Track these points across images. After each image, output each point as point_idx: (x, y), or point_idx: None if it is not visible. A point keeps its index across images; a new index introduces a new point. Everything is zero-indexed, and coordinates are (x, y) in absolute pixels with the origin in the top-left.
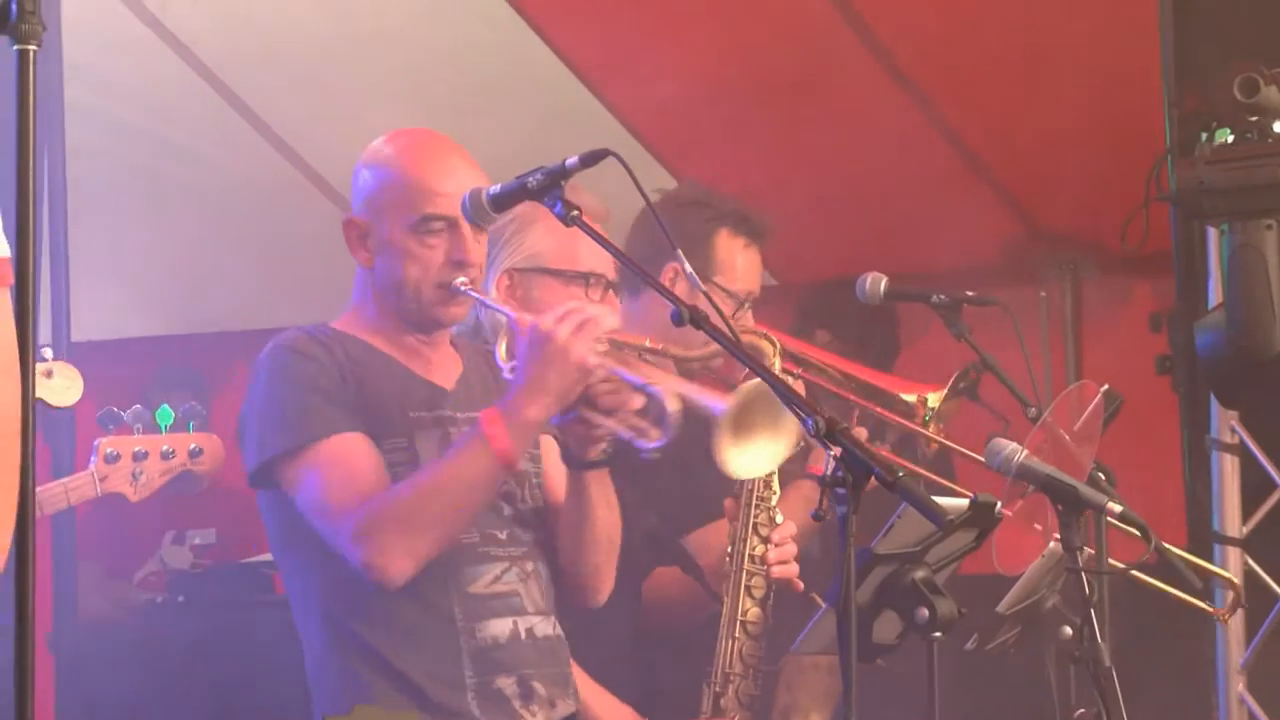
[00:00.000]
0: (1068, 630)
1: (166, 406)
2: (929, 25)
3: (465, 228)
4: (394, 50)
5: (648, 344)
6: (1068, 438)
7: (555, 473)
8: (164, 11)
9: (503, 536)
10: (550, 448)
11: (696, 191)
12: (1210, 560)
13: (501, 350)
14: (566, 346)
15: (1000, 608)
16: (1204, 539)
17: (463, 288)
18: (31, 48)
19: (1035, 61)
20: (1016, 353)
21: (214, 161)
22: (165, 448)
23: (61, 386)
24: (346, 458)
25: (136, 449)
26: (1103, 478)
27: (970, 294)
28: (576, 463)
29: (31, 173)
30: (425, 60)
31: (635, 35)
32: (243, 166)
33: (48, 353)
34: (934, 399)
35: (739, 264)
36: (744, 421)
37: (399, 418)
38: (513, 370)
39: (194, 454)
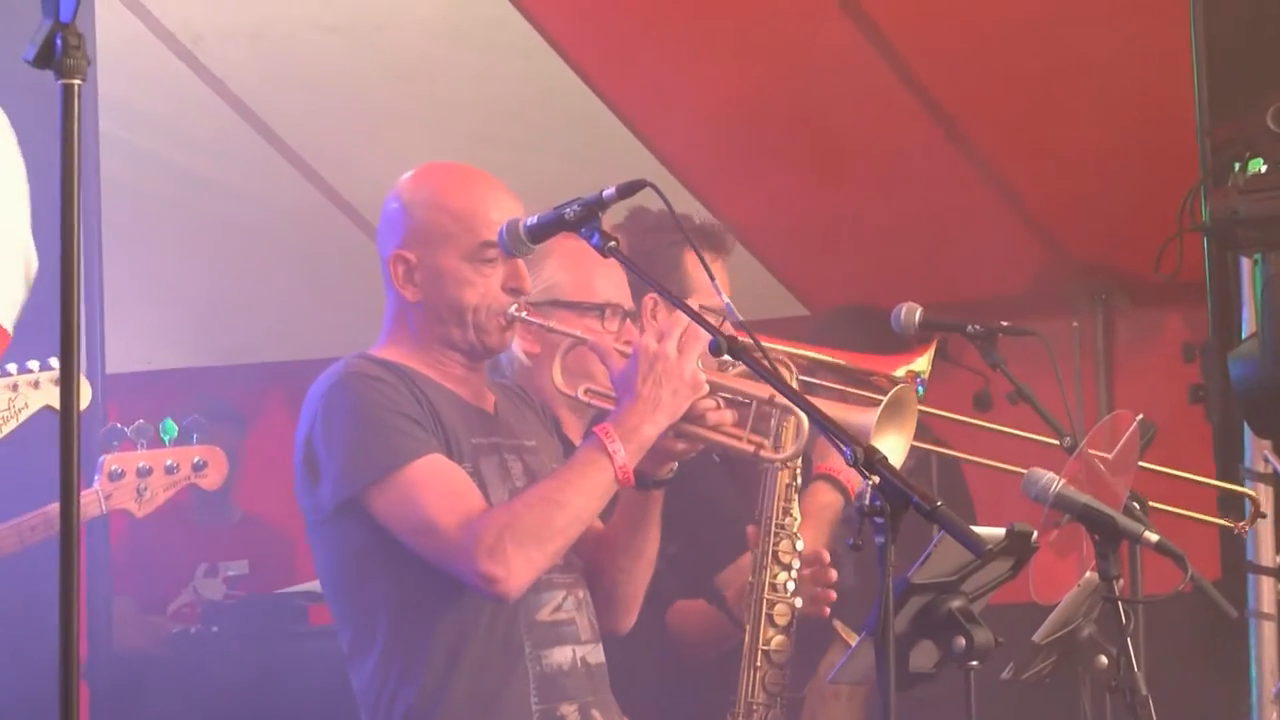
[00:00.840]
0: (1103, 659)
1: (170, 421)
2: (960, 55)
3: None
4: (427, 82)
5: None
6: (1104, 467)
7: None
8: (197, 45)
9: (561, 562)
10: None
11: (651, 218)
12: (1244, 591)
13: (558, 375)
14: (680, 364)
15: (1036, 637)
16: (1238, 568)
17: (522, 314)
18: (76, 82)
19: (1067, 90)
20: (1050, 382)
21: (246, 193)
22: (169, 462)
23: None
24: (444, 477)
25: (140, 465)
26: (1137, 507)
27: (1005, 324)
28: (646, 481)
29: (76, 207)
30: (457, 92)
31: (666, 67)
32: (275, 197)
33: (54, 361)
34: (922, 363)
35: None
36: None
37: (465, 443)
38: (586, 393)
39: (198, 467)
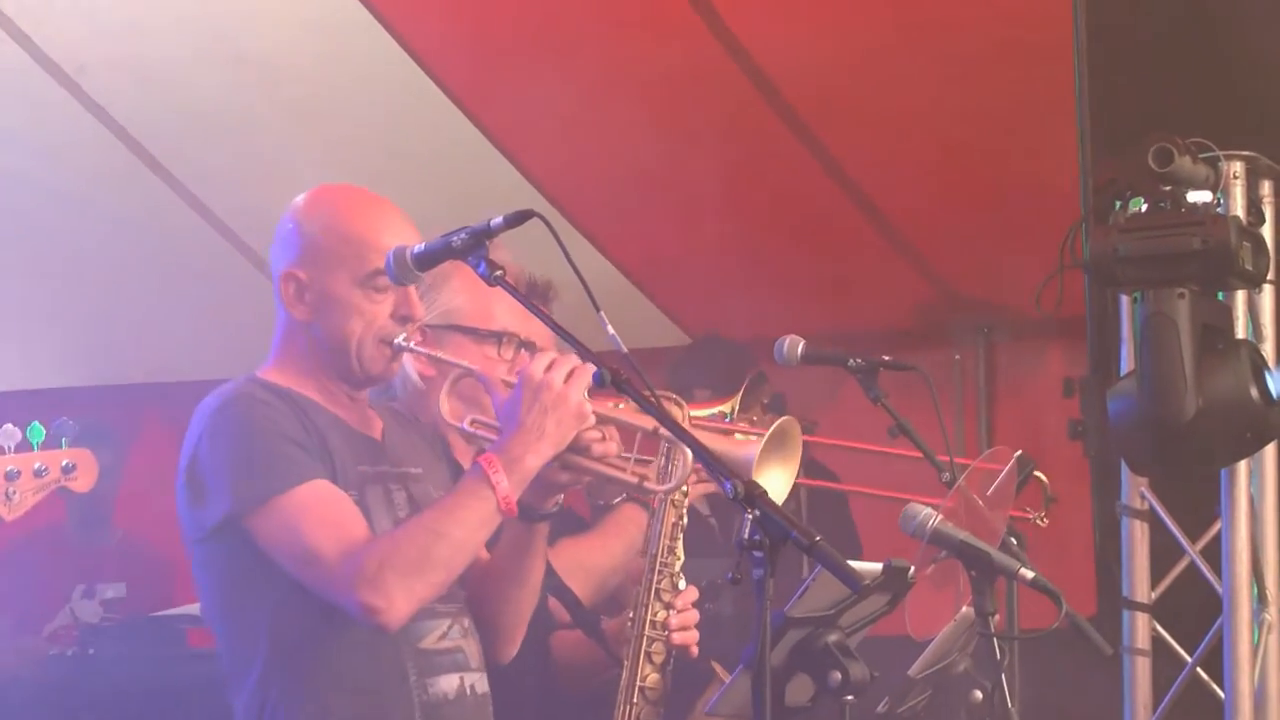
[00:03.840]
0: (978, 694)
1: (38, 424)
2: (844, 93)
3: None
4: (312, 116)
5: None
6: (981, 503)
7: None
8: (81, 75)
9: (444, 591)
10: None
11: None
12: (1120, 628)
13: (445, 405)
14: (565, 394)
15: (912, 671)
16: (1113, 604)
17: (408, 344)
18: None
19: (950, 128)
20: (933, 416)
21: (130, 220)
22: (38, 465)
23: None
24: (327, 504)
25: (9, 468)
26: (1014, 543)
27: (886, 359)
28: (531, 513)
29: None
30: (342, 127)
31: (549, 104)
32: (159, 224)
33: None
34: (726, 408)
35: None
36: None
37: (351, 471)
38: (473, 423)
39: (67, 470)
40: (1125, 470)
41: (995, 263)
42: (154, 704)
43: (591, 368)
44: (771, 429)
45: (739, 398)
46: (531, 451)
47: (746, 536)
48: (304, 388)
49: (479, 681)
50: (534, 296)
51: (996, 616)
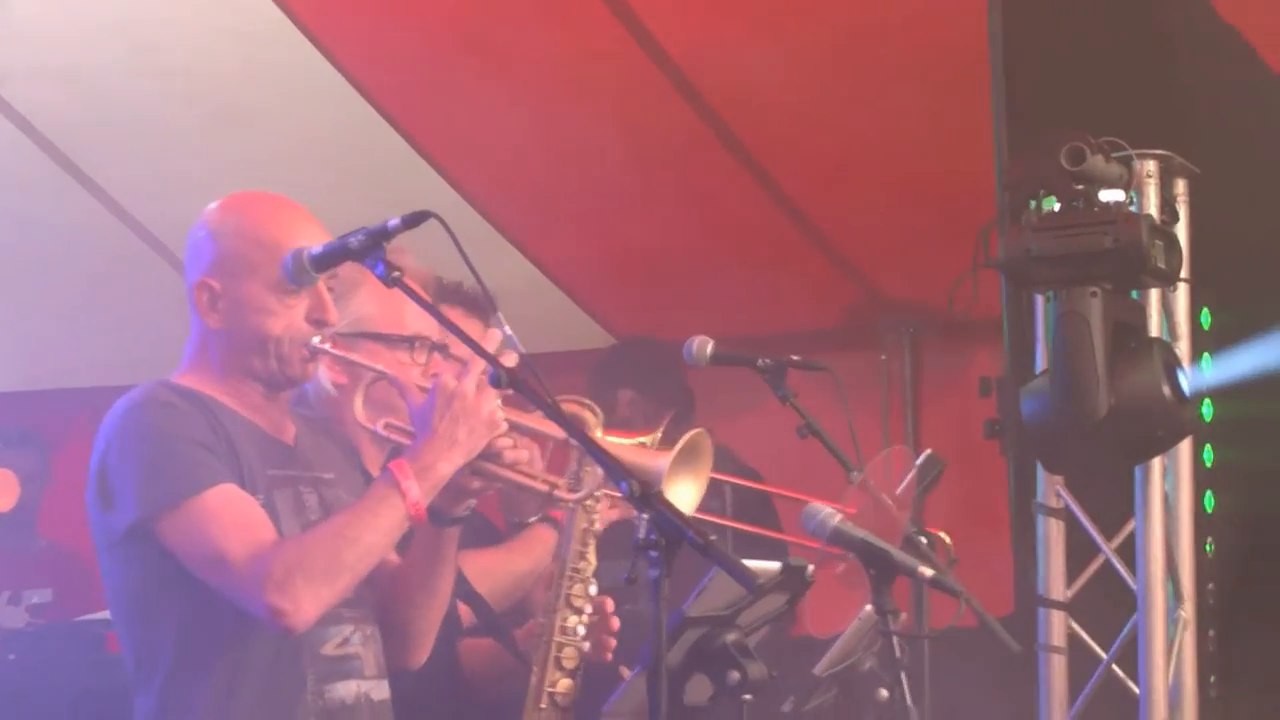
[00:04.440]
0: (884, 693)
1: None
2: (768, 96)
3: (323, 287)
4: (234, 126)
5: None
6: (886, 502)
7: None
8: (3, 83)
9: (351, 596)
10: None
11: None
12: (1035, 624)
13: (358, 408)
14: (477, 402)
15: (817, 670)
16: (1029, 602)
17: (324, 346)
18: None
19: (874, 129)
20: (865, 416)
21: (53, 226)
22: None
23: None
24: (235, 507)
25: None
26: (925, 541)
27: (795, 358)
28: (441, 518)
29: None
30: (272, 139)
31: (469, 107)
32: (81, 232)
33: None
34: (648, 440)
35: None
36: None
37: (260, 474)
38: (386, 427)
39: None
40: (1040, 469)
41: (921, 263)
42: (74, 709)
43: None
44: (682, 441)
45: (660, 432)
46: (443, 459)
47: (642, 536)
48: (215, 391)
49: (375, 689)
50: (443, 297)
51: (903, 615)
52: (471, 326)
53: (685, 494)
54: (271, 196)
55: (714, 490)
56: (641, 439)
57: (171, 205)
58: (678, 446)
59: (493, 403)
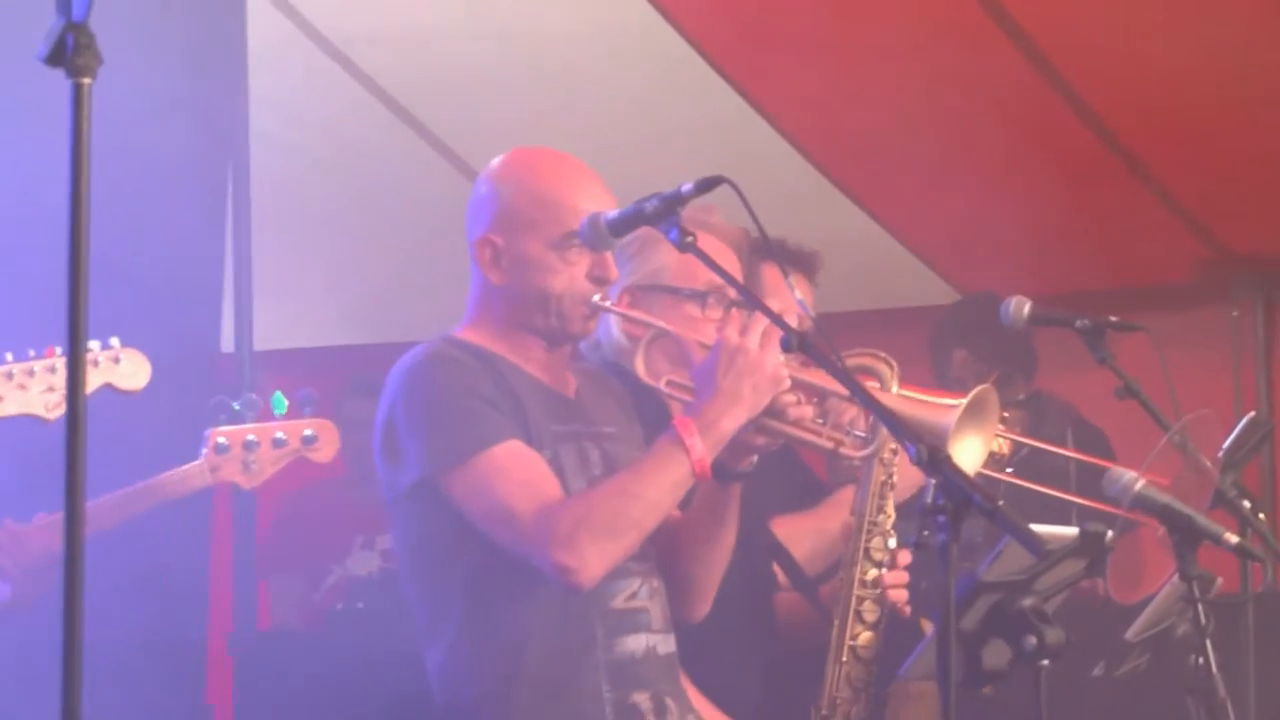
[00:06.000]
0: (1198, 659)
1: (279, 395)
2: (1110, 53)
3: None
4: (586, 96)
5: None
6: (1204, 463)
7: None
8: (348, 47)
9: (637, 551)
10: None
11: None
12: None
13: (640, 364)
14: (762, 359)
15: (1129, 634)
16: None
17: (604, 304)
18: (86, 81)
19: (1219, 81)
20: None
21: (393, 183)
22: (278, 435)
23: (129, 371)
24: (523, 464)
25: (248, 438)
26: (1248, 505)
27: (1113, 319)
28: (726, 473)
29: (85, 205)
30: (617, 109)
31: (823, 74)
32: (422, 187)
33: (115, 341)
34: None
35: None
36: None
37: (545, 430)
38: (669, 385)
39: (308, 440)
40: None
41: (1272, 217)
42: (419, 656)
43: (779, 332)
44: (969, 396)
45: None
46: (727, 415)
47: (930, 501)
48: (498, 346)
49: (662, 642)
50: (763, 254)
51: (1219, 581)
52: (776, 275)
53: (970, 451)
54: (553, 153)
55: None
56: (953, 402)
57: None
58: (965, 401)
59: (776, 358)
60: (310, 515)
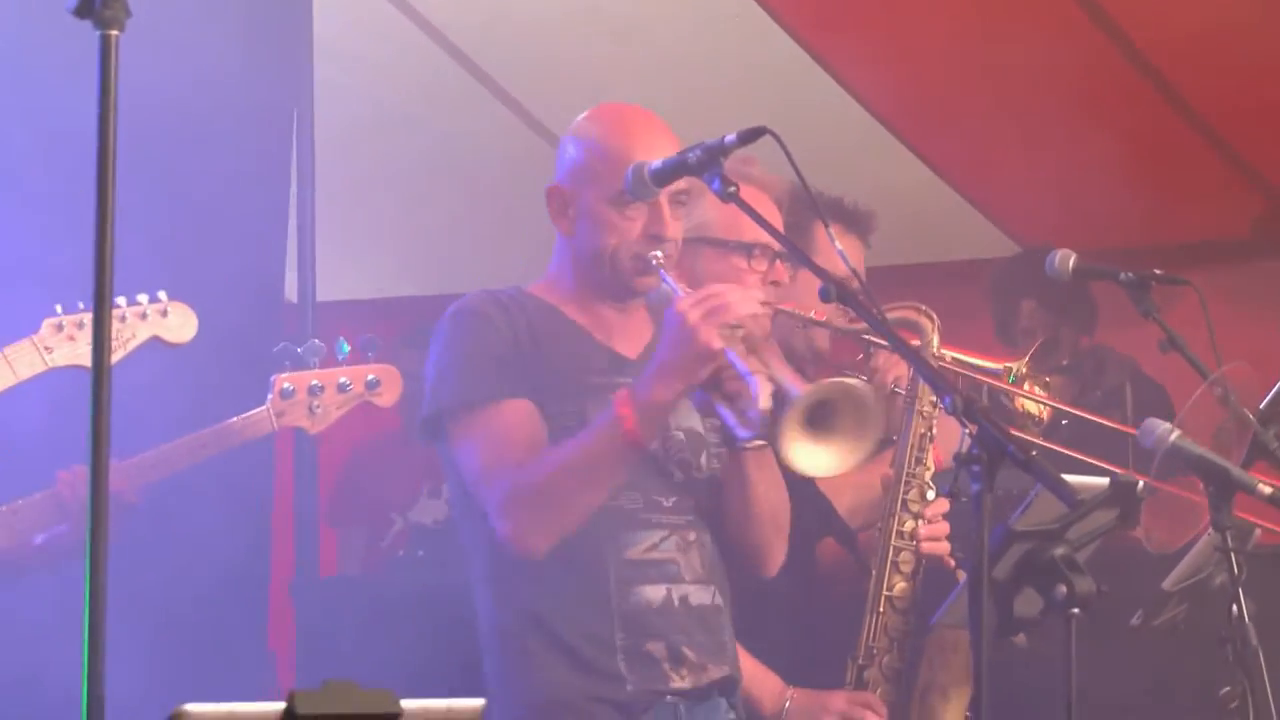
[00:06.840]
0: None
1: (343, 341)
2: (1168, 4)
3: (664, 202)
4: (645, 45)
5: (812, 315)
6: (1246, 414)
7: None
8: None
9: (667, 504)
10: None
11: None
12: None
13: None
14: (694, 329)
15: (1166, 584)
16: None
17: (654, 261)
18: (114, 33)
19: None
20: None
21: (456, 131)
22: (342, 380)
23: (176, 324)
24: (507, 426)
25: (313, 383)
26: None
27: (1158, 272)
28: (734, 442)
29: (111, 157)
30: (675, 58)
31: (883, 26)
32: (485, 136)
33: (163, 294)
34: (1016, 365)
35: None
36: (818, 417)
37: (573, 384)
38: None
39: (371, 385)
40: None
41: None
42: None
43: (746, 303)
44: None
45: (1028, 358)
46: (661, 384)
47: (964, 451)
48: (559, 299)
49: (695, 593)
50: (818, 212)
51: (1258, 532)
52: (847, 243)
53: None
54: (629, 109)
55: (1117, 400)
56: (1010, 364)
57: (575, 111)
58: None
59: (712, 330)
60: (375, 465)
